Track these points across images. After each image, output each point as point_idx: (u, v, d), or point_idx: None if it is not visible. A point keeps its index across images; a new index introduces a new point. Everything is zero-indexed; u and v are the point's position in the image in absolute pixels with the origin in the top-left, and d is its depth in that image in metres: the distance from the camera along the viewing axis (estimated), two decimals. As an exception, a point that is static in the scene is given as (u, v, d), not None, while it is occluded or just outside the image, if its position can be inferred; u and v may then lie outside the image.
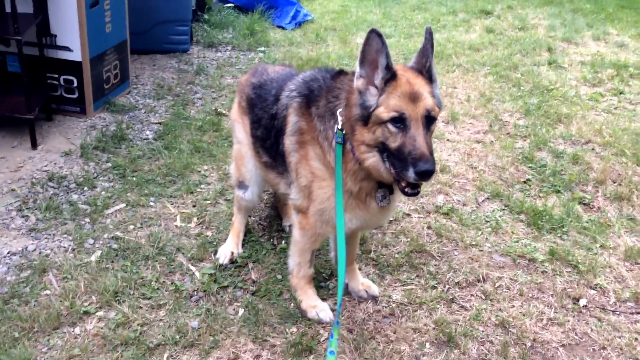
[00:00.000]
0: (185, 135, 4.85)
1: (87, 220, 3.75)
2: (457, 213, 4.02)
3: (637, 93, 6.57)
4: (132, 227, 3.73)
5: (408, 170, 2.33)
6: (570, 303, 3.24)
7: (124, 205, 3.92)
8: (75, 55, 4.72)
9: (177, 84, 5.92)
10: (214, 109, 5.42)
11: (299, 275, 3.11)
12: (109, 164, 4.37)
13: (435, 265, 3.50)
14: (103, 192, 4.04)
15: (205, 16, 7.70)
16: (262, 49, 7.28)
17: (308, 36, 8.03)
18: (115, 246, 3.53)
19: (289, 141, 2.83)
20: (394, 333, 2.98)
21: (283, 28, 8.29)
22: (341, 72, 2.83)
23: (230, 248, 3.52)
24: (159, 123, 5.07)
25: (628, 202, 4.38)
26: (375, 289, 3.25)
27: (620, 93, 6.57)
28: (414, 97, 2.39)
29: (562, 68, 7.29)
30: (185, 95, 5.70)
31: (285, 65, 3.50)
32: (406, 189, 2.43)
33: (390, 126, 2.39)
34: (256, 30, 7.70)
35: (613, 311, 3.21)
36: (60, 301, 3.06)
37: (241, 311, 3.12)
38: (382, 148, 2.44)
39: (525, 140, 5.22)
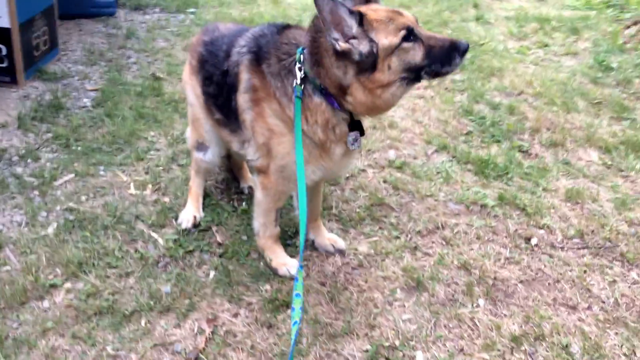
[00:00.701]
0: (126, 102, 4.69)
1: (37, 192, 3.59)
2: (409, 166, 4.13)
3: (560, 45, 6.90)
4: (84, 197, 3.60)
5: (453, 59, 2.51)
6: (522, 243, 3.44)
7: (72, 175, 3.78)
8: (3, 22, 4.43)
9: (109, 49, 5.68)
10: (151, 73, 5.25)
11: (265, 236, 3.13)
12: (50, 134, 4.18)
13: (395, 216, 3.61)
14: (48, 164, 3.87)
15: (129, -23, 7.38)
16: (192, 10, 7.08)
17: (238, -4, 7.86)
18: (71, 217, 3.41)
19: (242, 99, 2.80)
20: (366, 282, 3.07)
21: (210, -12, 8.06)
22: (287, 27, 2.85)
23: (192, 212, 3.48)
24: (96, 90, 4.87)
25: (562, 147, 4.65)
26: (341, 243, 3.32)
27: (545, 46, 6.88)
28: (396, 13, 2.50)
29: (489, 23, 7.53)
30: (119, 60, 5.49)
31: (234, 23, 3.44)
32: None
33: (405, 45, 2.42)
34: (184, -10, 7.46)
35: (561, 247, 3.44)
36: (24, 276, 2.94)
37: (212, 273, 3.11)
38: (407, 73, 2.47)
39: (463, 94, 5.40)
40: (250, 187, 3.78)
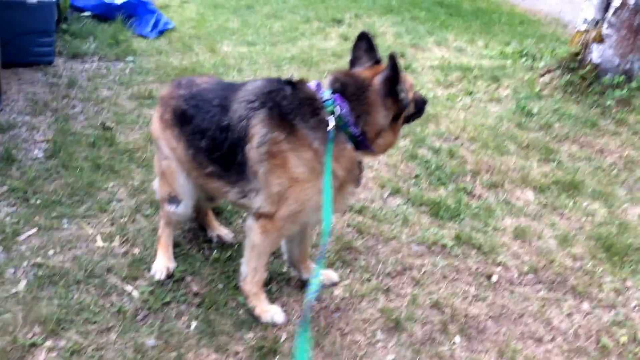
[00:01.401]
0: (80, 152, 4.62)
1: (0, 248, 3.48)
2: (368, 210, 4.32)
3: (484, 92, 7.40)
4: (51, 252, 3.53)
5: (423, 109, 3.28)
6: (485, 280, 3.69)
7: (35, 229, 3.69)
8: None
9: (53, 99, 5.57)
10: (100, 123, 5.20)
11: (253, 281, 3.19)
12: (5, 187, 4.05)
13: (364, 259, 3.76)
14: (7, 218, 3.75)
15: (64, 26, 7.28)
16: (131, 58, 7.06)
17: (174, 45, 7.91)
18: (40, 273, 3.33)
19: (255, 152, 2.91)
20: (347, 325, 3.19)
21: (145, 37, 8.07)
22: (292, 83, 3.01)
23: (164, 263, 3.48)
24: (46, 141, 4.77)
25: (501, 188, 5.00)
26: (334, 275, 3.53)
27: (470, 93, 7.36)
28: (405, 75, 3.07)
29: (417, 72, 7.97)
30: (64, 110, 5.39)
31: (208, 76, 3.53)
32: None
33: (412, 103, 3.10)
34: (121, 39, 7.44)
35: (519, 283, 3.71)
36: (0, 337, 2.84)
37: (194, 324, 3.13)
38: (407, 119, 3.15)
39: (405, 140, 5.69)
40: (218, 236, 3.83)
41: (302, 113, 2.90)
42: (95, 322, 3.04)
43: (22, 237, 3.61)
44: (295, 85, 2.99)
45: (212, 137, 3.07)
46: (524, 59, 8.79)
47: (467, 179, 5.10)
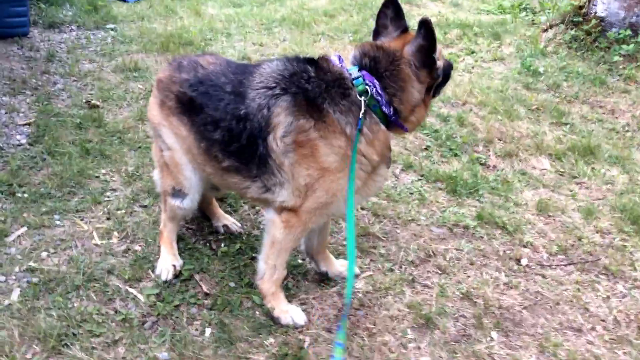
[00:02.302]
0: (66, 136, 4.26)
1: (-13, 253, 3.17)
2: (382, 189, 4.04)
3: (486, 51, 7.07)
4: (45, 253, 3.22)
5: (449, 74, 2.85)
6: (514, 264, 3.45)
7: (25, 228, 3.36)
8: None
9: (32, 75, 5.16)
10: (85, 101, 4.82)
11: (271, 279, 2.92)
12: (-13, 181, 3.71)
13: (384, 247, 3.50)
14: (-7, 217, 3.42)
15: (37, -8, 6.77)
16: (112, 26, 6.61)
17: (156, 9, 7.46)
18: (34, 279, 3.02)
19: (280, 142, 2.61)
20: (374, 325, 2.94)
21: (124, 1, 7.59)
22: (312, 61, 2.71)
23: (170, 261, 3.19)
24: (28, 124, 4.39)
25: (516, 157, 4.75)
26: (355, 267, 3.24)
27: (472, 52, 7.02)
28: None
29: (413, 30, 7.58)
30: (45, 88, 5.00)
31: (211, 54, 3.17)
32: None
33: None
34: (99, 4, 6.96)
35: (550, 266, 3.48)
36: (-5, 359, 2.56)
37: (208, 330, 2.87)
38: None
39: (411, 107, 5.38)
40: (225, 226, 3.54)
41: (331, 96, 2.60)
42: (100, 335, 2.76)
43: (11, 237, 3.29)
44: (319, 65, 2.68)
45: (227, 128, 2.74)
46: (524, 14, 8.43)
47: (479, 148, 4.83)
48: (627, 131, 5.37)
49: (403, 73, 2.62)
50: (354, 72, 2.65)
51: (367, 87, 2.60)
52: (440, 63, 2.66)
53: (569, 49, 7.07)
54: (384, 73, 2.63)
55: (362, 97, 2.59)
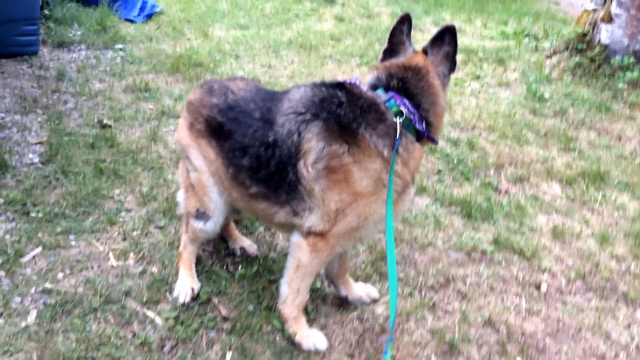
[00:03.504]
0: (79, 156, 4.23)
1: (2, 273, 3.11)
2: (397, 213, 4.03)
3: (491, 77, 7.12)
4: (61, 274, 3.17)
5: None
6: (534, 290, 3.43)
7: (40, 249, 3.32)
8: None
9: (42, 94, 5.14)
10: (97, 121, 4.80)
11: (294, 304, 2.88)
12: (1, 200, 3.66)
13: (402, 271, 3.48)
14: (7, 236, 3.37)
15: (46, 12, 6.77)
16: (120, 46, 6.61)
17: (164, 29, 7.47)
18: (50, 301, 2.98)
19: (311, 169, 2.59)
20: (397, 351, 2.91)
21: (132, 21, 7.61)
22: (342, 85, 2.71)
23: (188, 283, 3.15)
24: (40, 143, 4.36)
25: (527, 182, 4.75)
26: (375, 291, 3.24)
27: (478, 77, 7.07)
28: None
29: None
30: (56, 107, 4.97)
31: (241, 79, 3.16)
32: None
33: None
34: (107, 25, 6.97)
35: (569, 292, 3.46)
36: (15, 383, 2.51)
37: (228, 355, 2.82)
38: None
39: (421, 131, 5.39)
40: (242, 249, 3.51)
41: (367, 120, 2.59)
42: (119, 358, 2.71)
43: (26, 258, 3.25)
44: (349, 90, 2.67)
45: (256, 155, 2.73)
46: (527, 40, 8.51)
47: (491, 173, 4.83)
48: (635, 157, 5.40)
49: (434, 87, 2.69)
50: (383, 94, 2.66)
51: (402, 108, 2.62)
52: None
53: (573, 75, 7.14)
54: (414, 90, 2.66)
55: (397, 119, 2.60)
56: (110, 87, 5.51)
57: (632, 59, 6.95)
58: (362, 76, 2.85)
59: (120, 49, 6.52)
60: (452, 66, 2.76)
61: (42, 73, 5.58)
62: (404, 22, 2.79)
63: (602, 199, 4.59)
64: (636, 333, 3.17)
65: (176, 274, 3.22)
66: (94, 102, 5.17)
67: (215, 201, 3.02)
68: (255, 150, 2.72)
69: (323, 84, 2.76)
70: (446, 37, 2.67)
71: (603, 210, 4.46)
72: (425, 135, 2.70)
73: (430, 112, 2.70)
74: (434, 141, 2.80)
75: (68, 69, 5.77)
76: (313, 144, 2.59)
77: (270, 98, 2.83)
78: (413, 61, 2.71)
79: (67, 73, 5.65)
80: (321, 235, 2.69)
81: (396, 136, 2.59)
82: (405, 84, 2.66)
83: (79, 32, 6.72)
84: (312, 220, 2.68)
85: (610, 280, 3.58)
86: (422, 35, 8.55)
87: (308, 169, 2.60)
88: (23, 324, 2.82)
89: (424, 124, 2.68)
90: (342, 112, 2.61)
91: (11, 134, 4.43)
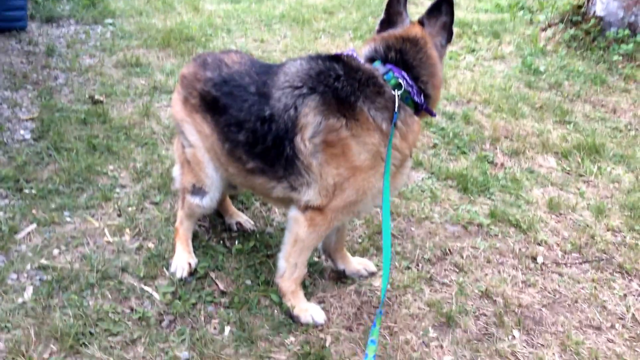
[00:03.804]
0: (71, 132, 4.18)
1: (-3, 251, 3.09)
2: (393, 187, 4.01)
3: (486, 50, 7.09)
4: (56, 251, 3.15)
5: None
6: (530, 262, 3.43)
7: (34, 225, 3.29)
8: None
9: (32, 70, 5.07)
10: (89, 96, 4.73)
11: (292, 278, 2.87)
12: (-7, 177, 3.62)
13: (399, 244, 3.48)
14: (1, 213, 3.34)
15: (34, -15, 6.66)
16: (110, 21, 6.52)
17: (154, 4, 7.37)
18: (47, 277, 2.95)
19: (309, 143, 2.55)
20: (395, 323, 2.91)
21: (122, -4, 7.49)
22: (338, 58, 2.66)
23: (185, 258, 3.13)
24: (32, 119, 4.31)
25: (523, 155, 4.74)
26: (371, 265, 3.24)
27: (473, 50, 7.03)
28: None
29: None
30: (47, 83, 4.91)
31: (235, 52, 3.10)
32: None
33: None
34: (97, 0, 6.85)
35: (565, 264, 3.47)
36: (13, 358, 2.49)
37: (227, 329, 2.81)
38: None
39: (416, 105, 5.36)
40: (238, 224, 3.50)
41: (365, 94, 2.55)
42: (117, 334, 2.70)
43: (21, 234, 3.22)
44: (347, 63, 2.62)
45: (252, 130, 2.69)
46: (521, 12, 8.45)
47: (486, 146, 4.82)
48: (630, 130, 5.39)
49: (433, 58, 2.65)
50: (380, 67, 2.62)
51: (400, 80, 2.57)
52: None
53: (568, 48, 7.11)
54: (413, 62, 2.62)
55: (396, 91, 2.56)
56: (101, 62, 5.44)
57: (627, 31, 6.91)
58: (358, 49, 2.80)
59: (110, 24, 6.43)
60: (449, 37, 2.72)
61: (31, 49, 5.50)
62: None
63: (598, 171, 4.58)
64: (631, 304, 3.18)
65: (173, 249, 3.21)
66: (84, 78, 5.10)
67: (212, 177, 2.98)
68: (252, 125, 2.69)
69: (319, 57, 2.71)
70: (443, 7, 2.62)
71: (598, 182, 4.46)
72: (423, 107, 2.67)
73: (429, 84, 2.66)
74: (432, 114, 2.76)
75: (57, 45, 5.68)
76: (310, 118, 2.55)
77: (266, 71, 2.78)
78: (411, 32, 2.66)
79: (57, 48, 5.57)
80: (319, 209, 2.67)
81: (394, 109, 2.55)
82: (404, 55, 2.62)
83: (67, 7, 6.61)
84: (309, 194, 2.66)
85: (606, 252, 3.59)
86: (415, 8, 8.47)
87: (305, 143, 2.56)
88: (20, 301, 2.80)
89: (422, 97, 2.64)
90: (340, 85, 2.56)
91: (1, 110, 4.37)
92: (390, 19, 2.77)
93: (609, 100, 5.95)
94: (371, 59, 2.69)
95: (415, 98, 2.61)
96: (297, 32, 6.85)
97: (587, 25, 7.10)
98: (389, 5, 2.76)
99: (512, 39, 7.39)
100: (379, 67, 2.62)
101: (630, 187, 4.40)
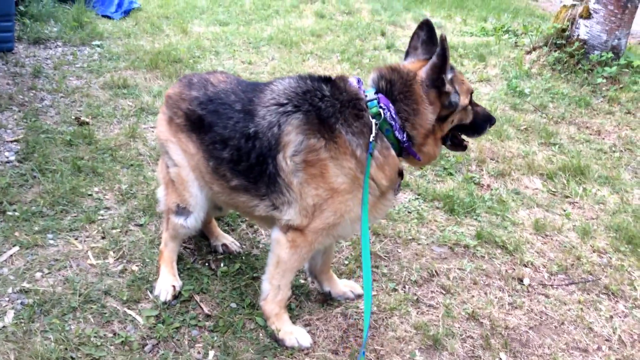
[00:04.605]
0: (56, 153, 4.15)
1: (-22, 274, 3.04)
2: (380, 209, 4.01)
3: (472, 72, 7.16)
4: (39, 274, 3.10)
5: (485, 127, 2.83)
6: (517, 284, 3.43)
7: (17, 248, 3.25)
8: None
9: (18, 91, 5.04)
10: (75, 118, 4.71)
11: (275, 300, 2.85)
12: (-24, 198, 3.58)
13: (386, 266, 3.46)
14: (-17, 236, 3.30)
15: (22, 8, 6.65)
16: (98, 42, 6.52)
17: (142, 26, 7.38)
18: (28, 301, 2.90)
19: (290, 162, 2.54)
20: (382, 346, 2.88)
21: (110, 17, 7.51)
22: (328, 80, 2.67)
23: (169, 281, 3.10)
24: (17, 141, 4.27)
25: (509, 177, 4.77)
26: (358, 287, 3.22)
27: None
28: (464, 78, 2.73)
29: (400, 51, 7.65)
30: (33, 104, 4.88)
31: (221, 72, 3.11)
32: (464, 144, 2.89)
33: (468, 107, 2.71)
34: (84, 21, 6.86)
35: (551, 285, 3.47)
36: (-8, 385, 2.44)
37: (211, 353, 2.78)
38: (452, 131, 2.75)
39: (403, 126, 5.39)
40: (224, 245, 3.47)
41: (344, 116, 2.54)
42: (99, 359, 2.65)
43: (3, 257, 3.17)
44: (335, 84, 2.63)
45: (236, 147, 2.68)
46: (506, 36, 8.56)
47: (473, 167, 4.84)
48: (614, 151, 5.45)
49: (416, 94, 2.56)
50: (370, 94, 2.61)
51: (380, 109, 2.54)
52: (450, 88, 2.55)
53: (552, 70, 7.20)
54: (398, 95, 2.58)
55: (374, 120, 2.53)
56: (88, 83, 5.43)
57: (610, 54, 7.01)
58: (347, 72, 2.82)
59: (98, 46, 6.43)
60: (436, 80, 2.53)
61: (17, 70, 5.48)
62: (423, 28, 2.72)
63: (583, 192, 4.61)
64: (618, 325, 3.18)
65: (157, 272, 3.17)
66: (71, 99, 5.08)
67: (196, 196, 2.97)
68: (236, 142, 2.68)
69: (309, 77, 2.71)
70: (438, 46, 2.49)
71: (584, 204, 4.49)
72: (404, 144, 2.59)
73: (410, 122, 2.58)
74: (415, 155, 2.65)
75: (44, 66, 5.67)
76: (292, 136, 2.55)
77: (252, 89, 2.78)
78: (406, 66, 2.65)
79: (43, 70, 5.56)
80: (300, 230, 2.66)
81: (370, 138, 2.51)
82: (392, 86, 2.60)
83: (55, 29, 6.61)
84: (290, 214, 2.65)
85: (592, 273, 3.60)
86: (402, 32, 8.57)
87: (287, 161, 2.56)
88: (0, 325, 2.75)
89: (404, 135, 2.59)
90: (323, 105, 2.56)
91: (-14, 132, 4.33)
92: (408, 52, 2.79)
93: (593, 122, 6.02)
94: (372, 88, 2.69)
95: (397, 133, 2.56)
96: (285, 54, 6.89)
97: (571, 48, 7.21)
98: (410, 40, 2.78)
99: (498, 62, 7.48)
100: (368, 93, 2.61)
101: (616, 208, 4.43)
